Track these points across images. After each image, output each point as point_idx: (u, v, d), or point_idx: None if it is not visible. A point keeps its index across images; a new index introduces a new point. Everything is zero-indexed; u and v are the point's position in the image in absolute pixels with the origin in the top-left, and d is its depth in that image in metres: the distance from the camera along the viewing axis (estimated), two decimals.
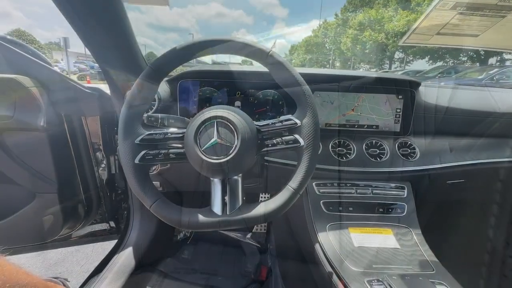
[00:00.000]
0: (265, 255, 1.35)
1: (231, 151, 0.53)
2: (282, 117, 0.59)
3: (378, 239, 0.75)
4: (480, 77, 8.22)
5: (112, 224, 1.28)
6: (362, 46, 26.06)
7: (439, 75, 11.00)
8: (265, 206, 0.54)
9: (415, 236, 0.76)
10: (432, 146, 0.94)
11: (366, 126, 0.96)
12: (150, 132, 0.58)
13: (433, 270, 0.66)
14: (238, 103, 0.94)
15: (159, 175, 0.99)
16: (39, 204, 0.99)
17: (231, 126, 0.54)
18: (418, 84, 0.93)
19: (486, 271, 1.05)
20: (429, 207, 0.98)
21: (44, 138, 0.92)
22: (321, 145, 0.90)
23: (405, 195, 0.86)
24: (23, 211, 1.00)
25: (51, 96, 0.93)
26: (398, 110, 0.94)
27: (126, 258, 1.12)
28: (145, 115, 0.64)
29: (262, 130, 0.59)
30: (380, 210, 0.83)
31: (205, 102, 0.94)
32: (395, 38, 22.13)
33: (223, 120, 0.54)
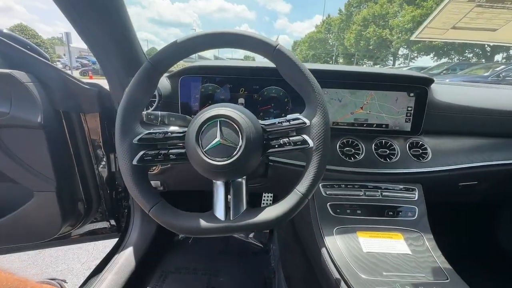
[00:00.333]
0: (268, 255, 1.33)
1: (235, 153, 0.49)
2: (289, 116, 0.55)
3: (388, 244, 0.71)
4: (486, 74, 8.10)
5: (113, 222, 1.26)
6: (365, 42, 25.81)
7: (443, 72, 10.86)
8: (271, 211, 0.51)
9: (427, 241, 0.73)
10: (444, 146, 0.90)
11: (375, 125, 0.92)
12: (149, 131, 0.55)
13: (447, 279, 0.62)
14: (241, 100, 0.90)
15: (159, 174, 0.96)
16: (37, 202, 0.97)
17: (235, 125, 0.50)
18: (431, 81, 0.89)
19: (502, 279, 1.01)
20: (440, 211, 0.94)
21: (42, 135, 0.89)
22: None
23: (416, 198, 0.82)
24: (21, 209, 0.98)
25: (49, 92, 0.90)
26: (410, 109, 0.90)
27: (126, 258, 1.10)
28: (144, 112, 0.61)
29: (268, 129, 0.55)
30: (389, 213, 0.79)
31: (207, 99, 0.90)
32: (400, 34, 21.87)
33: (226, 119, 0.50)
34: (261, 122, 0.55)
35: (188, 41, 0.53)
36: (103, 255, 1.13)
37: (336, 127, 0.92)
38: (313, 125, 0.52)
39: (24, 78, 0.85)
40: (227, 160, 0.49)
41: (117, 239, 1.23)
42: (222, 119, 0.50)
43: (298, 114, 0.55)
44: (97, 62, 0.87)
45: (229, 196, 0.53)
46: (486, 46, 18.92)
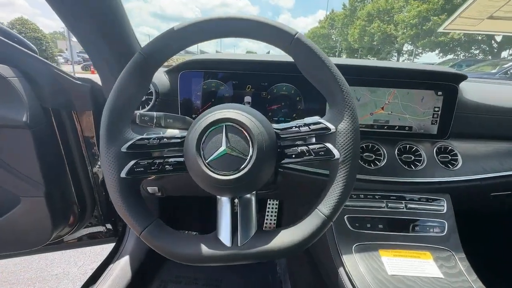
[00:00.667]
0: (274, 264, 1.24)
1: (244, 165, 0.40)
2: (308, 120, 0.46)
3: (416, 264, 0.63)
4: (493, 71, 7.88)
5: (109, 226, 1.19)
6: (370, 38, 25.44)
7: None
8: (288, 236, 0.42)
9: (459, 262, 0.64)
10: (475, 152, 0.81)
11: (397, 127, 0.82)
12: (141, 137, 0.46)
13: None
14: (248, 98, 0.81)
15: (157, 180, 0.87)
16: (24, 208, 0.90)
17: (244, 132, 0.41)
18: (463, 78, 0.78)
19: None
20: (471, 225, 0.85)
21: (28, 135, 0.81)
22: None
23: (445, 210, 0.73)
24: (8, 215, 0.90)
25: (36, 88, 0.82)
26: (437, 109, 0.80)
27: (122, 267, 1.03)
28: (138, 113, 0.52)
29: (282, 135, 0.46)
30: (416, 228, 0.70)
31: (210, 96, 0.81)
32: (405, 30, 21.51)
33: (234, 124, 0.41)
34: (274, 126, 0.46)
35: (186, 28, 0.43)
36: (101, 258, 1.07)
37: None
38: (339, 132, 0.43)
39: (6, 73, 0.76)
40: (234, 174, 0.40)
41: (114, 243, 1.16)
42: (229, 123, 0.41)
43: (318, 117, 0.46)
44: None
45: (236, 215, 0.45)
46: (493, 42, 18.56)
